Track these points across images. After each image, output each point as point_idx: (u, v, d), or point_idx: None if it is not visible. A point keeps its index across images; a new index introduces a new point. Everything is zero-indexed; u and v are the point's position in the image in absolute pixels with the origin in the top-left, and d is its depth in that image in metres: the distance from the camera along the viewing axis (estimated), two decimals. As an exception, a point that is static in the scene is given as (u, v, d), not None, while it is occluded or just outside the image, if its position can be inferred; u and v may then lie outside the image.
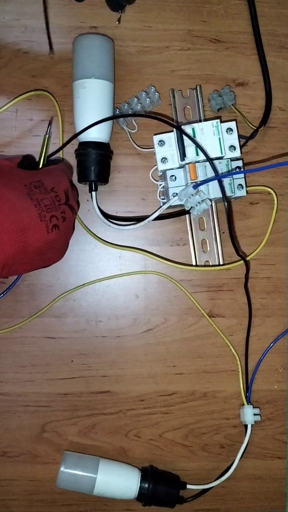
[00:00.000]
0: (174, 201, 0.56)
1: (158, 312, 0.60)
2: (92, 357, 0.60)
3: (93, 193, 0.57)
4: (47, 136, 0.57)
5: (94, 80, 0.55)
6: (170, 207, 0.57)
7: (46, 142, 0.57)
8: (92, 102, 0.56)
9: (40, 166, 0.56)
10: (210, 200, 0.55)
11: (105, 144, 0.57)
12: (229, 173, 0.55)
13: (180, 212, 0.60)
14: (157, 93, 0.59)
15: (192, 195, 0.54)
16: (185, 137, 0.55)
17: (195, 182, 0.55)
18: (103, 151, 0.56)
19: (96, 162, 0.56)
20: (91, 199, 0.57)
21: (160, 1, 0.60)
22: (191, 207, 0.55)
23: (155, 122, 0.60)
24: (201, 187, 0.54)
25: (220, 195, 0.55)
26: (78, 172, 0.57)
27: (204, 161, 0.55)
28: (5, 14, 0.59)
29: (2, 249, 0.46)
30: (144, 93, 0.59)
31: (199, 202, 0.54)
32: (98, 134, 0.56)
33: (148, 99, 0.58)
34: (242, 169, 0.57)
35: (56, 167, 0.54)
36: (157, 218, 0.58)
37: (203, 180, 0.54)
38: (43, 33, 0.59)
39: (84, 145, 0.56)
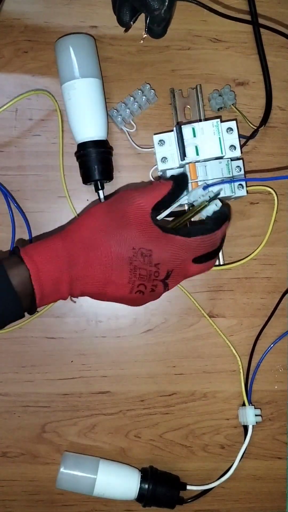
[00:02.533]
0: (183, 200, 0.55)
1: (158, 312, 0.60)
2: (92, 357, 0.60)
3: (100, 192, 0.57)
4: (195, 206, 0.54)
5: (82, 79, 0.55)
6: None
7: (194, 212, 0.53)
8: (85, 101, 0.56)
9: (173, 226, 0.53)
10: (220, 200, 0.55)
11: (103, 141, 0.57)
12: (242, 178, 0.56)
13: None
14: (152, 90, 0.59)
15: (202, 196, 0.54)
16: (185, 137, 0.54)
17: (204, 183, 0.54)
18: (103, 148, 0.56)
19: (98, 161, 0.56)
20: (99, 198, 0.57)
21: (160, 1, 0.60)
22: None
23: (155, 122, 0.60)
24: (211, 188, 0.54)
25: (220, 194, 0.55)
26: (82, 174, 0.57)
27: (204, 161, 0.55)
28: (5, 14, 0.59)
29: (83, 290, 0.49)
30: (139, 91, 0.59)
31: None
32: (95, 133, 0.56)
33: (144, 97, 0.58)
34: (241, 169, 0.57)
35: (185, 240, 0.50)
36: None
37: (213, 183, 0.54)
38: (43, 33, 0.59)
39: (83, 146, 0.56)
